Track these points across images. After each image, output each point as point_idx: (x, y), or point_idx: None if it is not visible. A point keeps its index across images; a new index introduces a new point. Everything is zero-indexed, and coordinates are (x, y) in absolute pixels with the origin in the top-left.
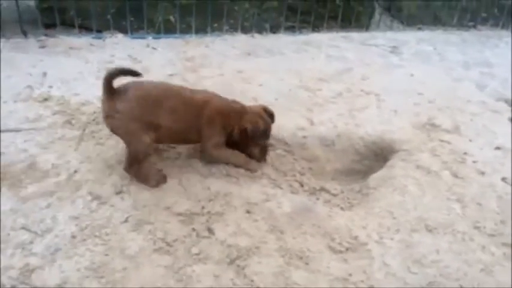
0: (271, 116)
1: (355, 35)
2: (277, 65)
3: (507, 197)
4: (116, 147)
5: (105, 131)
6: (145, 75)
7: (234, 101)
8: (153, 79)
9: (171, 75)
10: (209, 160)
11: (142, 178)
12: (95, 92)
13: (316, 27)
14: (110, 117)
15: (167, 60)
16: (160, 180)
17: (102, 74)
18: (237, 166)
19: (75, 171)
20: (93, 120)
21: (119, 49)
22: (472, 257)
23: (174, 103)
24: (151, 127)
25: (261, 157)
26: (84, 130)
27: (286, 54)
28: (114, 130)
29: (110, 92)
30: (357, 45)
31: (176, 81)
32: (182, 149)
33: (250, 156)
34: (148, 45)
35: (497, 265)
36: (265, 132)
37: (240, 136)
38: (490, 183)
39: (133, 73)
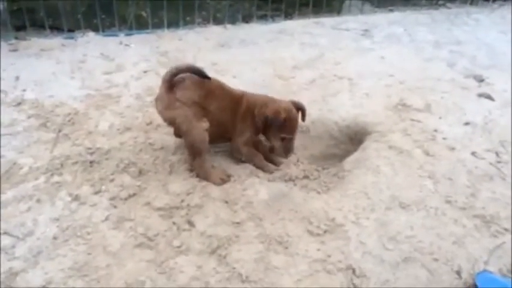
0: (301, 110)
1: (327, 20)
2: (251, 55)
3: (477, 170)
4: (92, 147)
5: (81, 131)
6: (119, 72)
7: (266, 96)
8: (128, 76)
9: (145, 71)
10: (236, 154)
11: (205, 174)
12: (69, 92)
13: (288, 15)
14: (171, 107)
15: (141, 56)
16: (225, 178)
17: (76, 75)
18: (256, 167)
19: (53, 174)
20: (69, 121)
21: (91, 48)
22: (444, 231)
23: (220, 93)
24: (205, 114)
25: (284, 152)
26: (59, 132)
27: (259, 44)
28: (174, 120)
29: (171, 85)
30: (329, 31)
31: (150, 77)
32: (162, 145)
33: (271, 150)
34: (121, 42)
35: (468, 236)
36: (286, 124)
37: (262, 124)
38: (460, 159)
39: (197, 72)
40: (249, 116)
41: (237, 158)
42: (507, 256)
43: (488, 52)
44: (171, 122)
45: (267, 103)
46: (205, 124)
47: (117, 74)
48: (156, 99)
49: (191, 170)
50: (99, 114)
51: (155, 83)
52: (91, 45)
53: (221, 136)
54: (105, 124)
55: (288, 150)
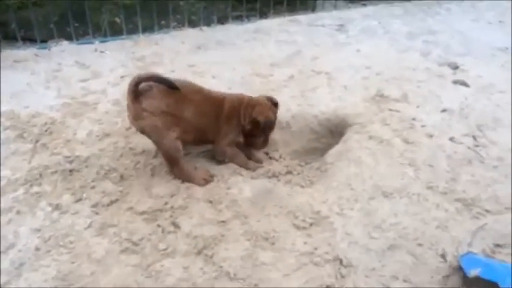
0: (275, 104)
1: (303, 18)
2: (229, 55)
3: (456, 155)
4: (71, 155)
5: (59, 140)
6: (96, 79)
7: (242, 94)
8: (104, 82)
9: (122, 76)
10: (220, 157)
11: (188, 178)
12: (45, 102)
13: (263, 14)
14: (138, 118)
15: (117, 62)
16: (208, 179)
17: (51, 84)
18: (240, 166)
19: (32, 184)
20: (46, 131)
21: (66, 57)
22: (427, 216)
23: (196, 98)
24: (175, 122)
25: (262, 146)
26: (36, 142)
27: (236, 44)
28: (144, 130)
29: (136, 95)
30: (305, 28)
31: (128, 82)
32: (143, 149)
33: (252, 145)
34: (96, 50)
35: (451, 220)
36: (272, 124)
37: (251, 127)
38: (439, 145)
39: (162, 81)
40: (233, 118)
41: (220, 160)
42: (489, 237)
43: (462, 40)
44: (141, 132)
45: (253, 106)
46: (174, 133)
47: (93, 81)
48: (127, 109)
49: (171, 174)
50: (77, 122)
51: None
52: (65, 54)
53: (201, 141)
54: (84, 132)
55: (266, 143)
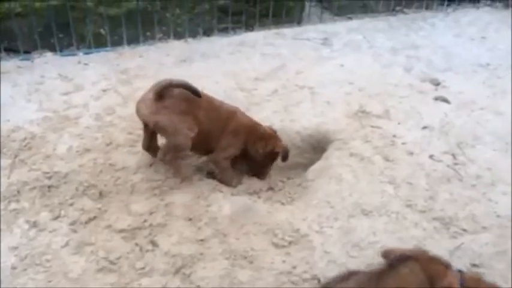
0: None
1: (288, 31)
2: (213, 68)
3: (435, 173)
4: (50, 171)
5: (38, 155)
6: (78, 92)
7: (252, 120)
8: (87, 96)
9: (104, 90)
10: (213, 166)
11: (175, 168)
12: (26, 115)
13: (249, 26)
14: (156, 113)
15: (100, 75)
16: (190, 178)
17: (33, 97)
18: (221, 181)
19: (10, 201)
20: (25, 146)
21: (49, 69)
22: (405, 234)
23: (209, 106)
24: (191, 123)
25: (266, 175)
26: (15, 157)
27: (221, 57)
28: (158, 124)
29: (160, 95)
30: (290, 41)
31: (110, 96)
32: (123, 165)
33: (258, 173)
34: (79, 62)
35: (429, 239)
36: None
37: (264, 157)
38: (418, 163)
39: (191, 90)
40: (239, 135)
41: (208, 172)
42: (466, 256)
43: (444, 55)
44: (155, 125)
45: (265, 138)
46: (189, 132)
47: (75, 94)
48: (139, 103)
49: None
50: (57, 137)
51: (115, 101)
52: (49, 66)
53: (201, 146)
54: (64, 147)
55: (264, 176)
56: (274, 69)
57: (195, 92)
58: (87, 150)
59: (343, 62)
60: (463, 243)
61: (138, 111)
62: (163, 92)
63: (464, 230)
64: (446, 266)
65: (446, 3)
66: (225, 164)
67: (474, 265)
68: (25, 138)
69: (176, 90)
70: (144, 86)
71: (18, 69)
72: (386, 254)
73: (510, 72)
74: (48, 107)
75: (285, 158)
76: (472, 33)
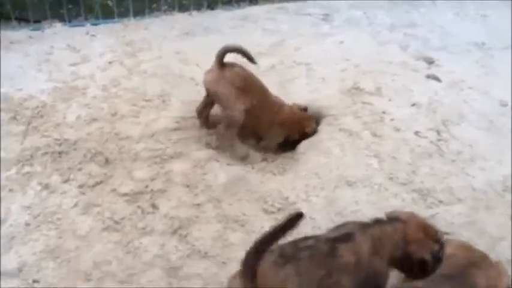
0: (305, 109)
1: (291, 5)
2: (215, 43)
3: (418, 149)
4: (60, 138)
5: (49, 123)
6: (85, 64)
7: (291, 107)
8: (94, 67)
9: (110, 62)
10: (266, 151)
11: (230, 146)
12: (37, 85)
13: (253, 0)
14: (217, 82)
15: (106, 47)
16: (246, 154)
17: (43, 67)
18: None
19: (24, 165)
20: (37, 113)
21: (58, 39)
22: (385, 204)
23: (260, 91)
24: (245, 99)
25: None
26: (28, 125)
27: (223, 31)
28: (217, 93)
29: (222, 63)
30: (291, 16)
31: (115, 68)
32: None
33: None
34: (87, 33)
35: (407, 208)
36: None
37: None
38: (404, 138)
39: (246, 55)
40: (285, 127)
41: (206, 142)
42: (439, 225)
43: (441, 34)
44: (213, 94)
45: (301, 121)
46: (243, 105)
47: (83, 65)
48: (207, 72)
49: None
50: (66, 107)
51: (120, 73)
52: (58, 36)
53: (244, 129)
54: (72, 116)
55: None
56: (274, 44)
57: (250, 58)
58: (94, 120)
59: (342, 39)
60: (437, 213)
61: (205, 79)
62: (223, 61)
63: (440, 201)
64: (433, 236)
65: None
66: (274, 151)
67: (445, 233)
68: (37, 107)
69: (238, 68)
70: (147, 58)
71: (29, 39)
72: (389, 215)
73: (504, 52)
74: (58, 78)
75: (311, 135)
76: (472, 11)
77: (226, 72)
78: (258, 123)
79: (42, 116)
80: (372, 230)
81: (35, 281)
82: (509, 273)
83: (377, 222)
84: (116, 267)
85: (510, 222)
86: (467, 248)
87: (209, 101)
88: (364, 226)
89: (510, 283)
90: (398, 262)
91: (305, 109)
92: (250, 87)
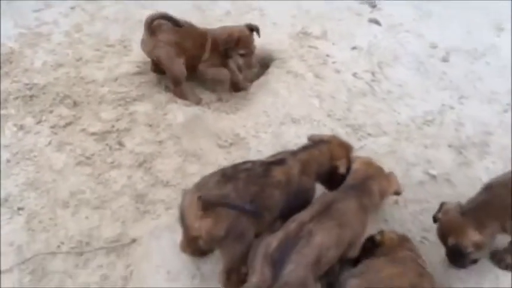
0: (255, 30)
1: None
2: None
3: (355, 89)
4: (30, 83)
5: (20, 68)
6: (48, 9)
7: (222, 27)
8: (56, 13)
9: (72, 7)
10: (202, 77)
11: (185, 97)
12: (4, 32)
13: None
14: (156, 47)
15: None
16: (198, 100)
17: (7, 13)
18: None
19: None
20: (7, 60)
21: None
22: None
23: (192, 33)
24: (183, 51)
25: (247, 67)
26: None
27: None
28: (159, 57)
29: (152, 31)
30: None
31: (77, 13)
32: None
33: (235, 85)
34: None
35: None
36: (240, 41)
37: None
38: (342, 79)
39: (172, 20)
40: (214, 48)
41: (166, 86)
42: (366, 153)
43: None
44: (157, 59)
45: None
46: (181, 59)
47: (46, 11)
48: (142, 42)
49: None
50: (33, 52)
51: (82, 19)
52: None
53: (191, 66)
54: (39, 61)
55: (250, 65)
56: None
57: (176, 23)
58: (60, 65)
59: None
60: (366, 144)
61: (143, 49)
62: (153, 28)
63: (369, 134)
64: (350, 152)
65: None
66: (210, 71)
67: None
68: (6, 53)
69: (165, 26)
70: (108, 4)
71: None
72: (311, 138)
73: None
74: (23, 24)
75: (227, 42)
76: None
77: (158, 36)
78: (194, 58)
79: (11, 62)
80: (301, 155)
81: (19, 209)
82: (399, 182)
83: (305, 147)
84: (90, 195)
85: (425, 151)
86: (367, 163)
87: (155, 62)
88: (294, 152)
89: (399, 189)
90: (323, 177)
91: (252, 28)
92: (184, 36)
